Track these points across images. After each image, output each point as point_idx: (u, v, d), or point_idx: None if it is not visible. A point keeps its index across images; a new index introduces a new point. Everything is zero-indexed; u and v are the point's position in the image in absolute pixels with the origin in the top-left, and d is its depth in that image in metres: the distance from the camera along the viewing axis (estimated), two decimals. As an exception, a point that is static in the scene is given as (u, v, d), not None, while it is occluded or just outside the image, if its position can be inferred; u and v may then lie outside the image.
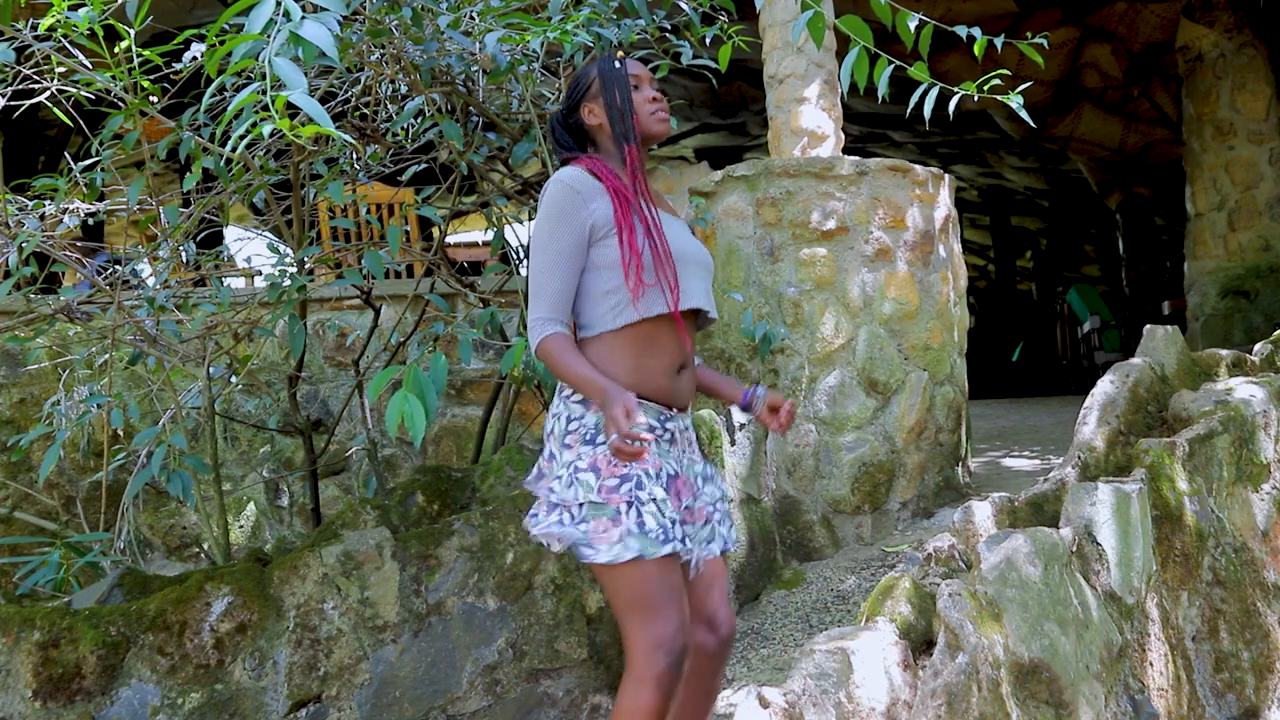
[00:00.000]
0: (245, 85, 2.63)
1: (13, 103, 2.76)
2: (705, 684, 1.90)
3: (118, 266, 3.06)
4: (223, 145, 2.80)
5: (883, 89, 2.18)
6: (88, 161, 2.94)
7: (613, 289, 1.83)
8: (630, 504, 1.75)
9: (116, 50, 2.57)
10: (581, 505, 1.77)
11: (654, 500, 1.77)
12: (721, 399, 2.07)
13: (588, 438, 1.81)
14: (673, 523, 1.78)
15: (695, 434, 2.06)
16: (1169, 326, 3.16)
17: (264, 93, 1.37)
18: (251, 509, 5.11)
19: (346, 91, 3.19)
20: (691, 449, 1.96)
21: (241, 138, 1.45)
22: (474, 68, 2.93)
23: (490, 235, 3.74)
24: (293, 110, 1.43)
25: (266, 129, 1.38)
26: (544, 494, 1.87)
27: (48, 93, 2.72)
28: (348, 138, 1.48)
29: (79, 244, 4.14)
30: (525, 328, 2.89)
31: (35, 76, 2.71)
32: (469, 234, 12.12)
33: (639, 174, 1.87)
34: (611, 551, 1.74)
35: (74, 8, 2.41)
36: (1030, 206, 13.74)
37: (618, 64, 1.92)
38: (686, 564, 1.87)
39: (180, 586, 2.48)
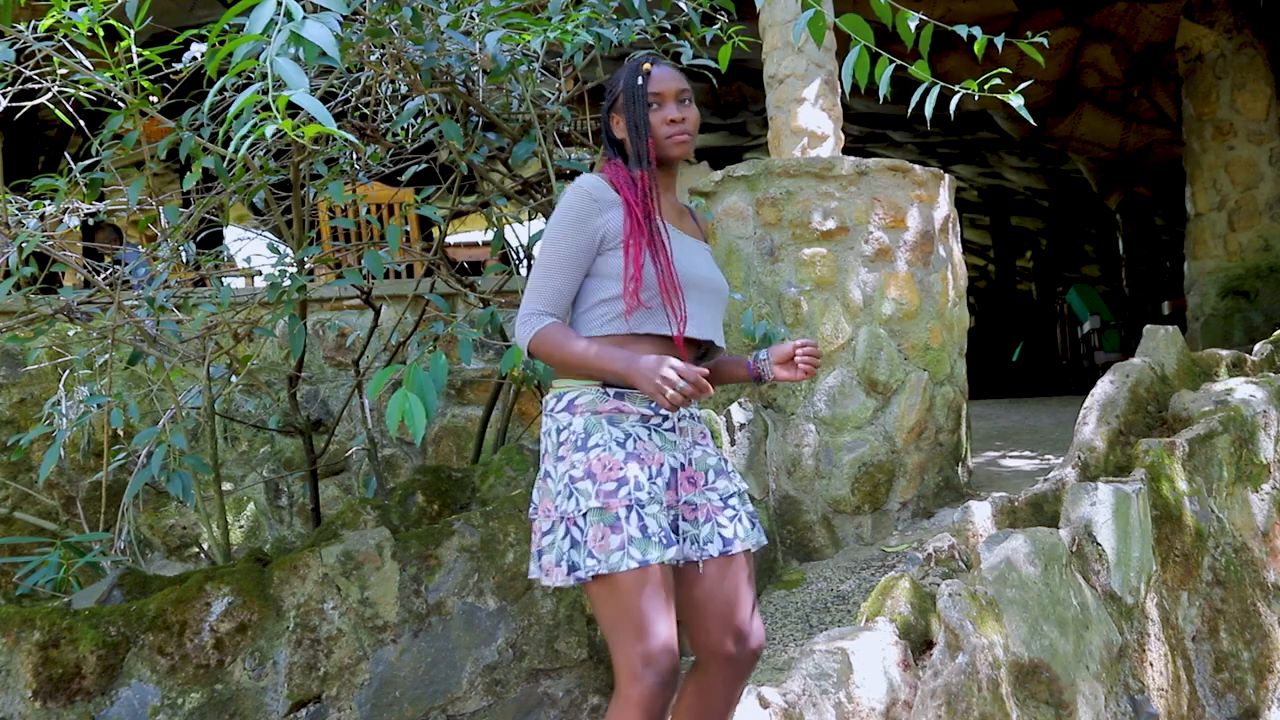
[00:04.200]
0: (246, 85, 2.63)
1: (14, 104, 2.76)
2: (727, 693, 1.85)
3: (118, 266, 3.06)
4: (223, 145, 2.80)
5: (884, 89, 2.17)
6: (88, 161, 2.94)
7: (609, 298, 1.80)
8: (630, 508, 1.70)
9: (116, 50, 2.58)
10: (585, 515, 1.71)
11: (655, 500, 1.72)
12: (736, 381, 2.01)
13: (579, 444, 1.75)
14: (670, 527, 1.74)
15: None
16: (1169, 326, 3.16)
17: (265, 93, 1.37)
18: (251, 509, 5.11)
19: (346, 91, 3.19)
20: (704, 440, 1.91)
21: (244, 139, 1.44)
22: (474, 68, 2.93)
23: (490, 235, 3.75)
24: (293, 110, 1.43)
25: (269, 130, 1.38)
26: (540, 523, 1.80)
27: (49, 94, 2.72)
28: (350, 137, 1.48)
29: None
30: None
31: (36, 77, 2.71)
32: (469, 234, 12.12)
33: (650, 198, 1.83)
34: (610, 560, 1.67)
35: (74, 8, 2.41)
36: (1030, 206, 13.75)
37: (640, 79, 1.85)
38: (680, 565, 1.82)
39: (180, 586, 2.48)
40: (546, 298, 1.79)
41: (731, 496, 1.88)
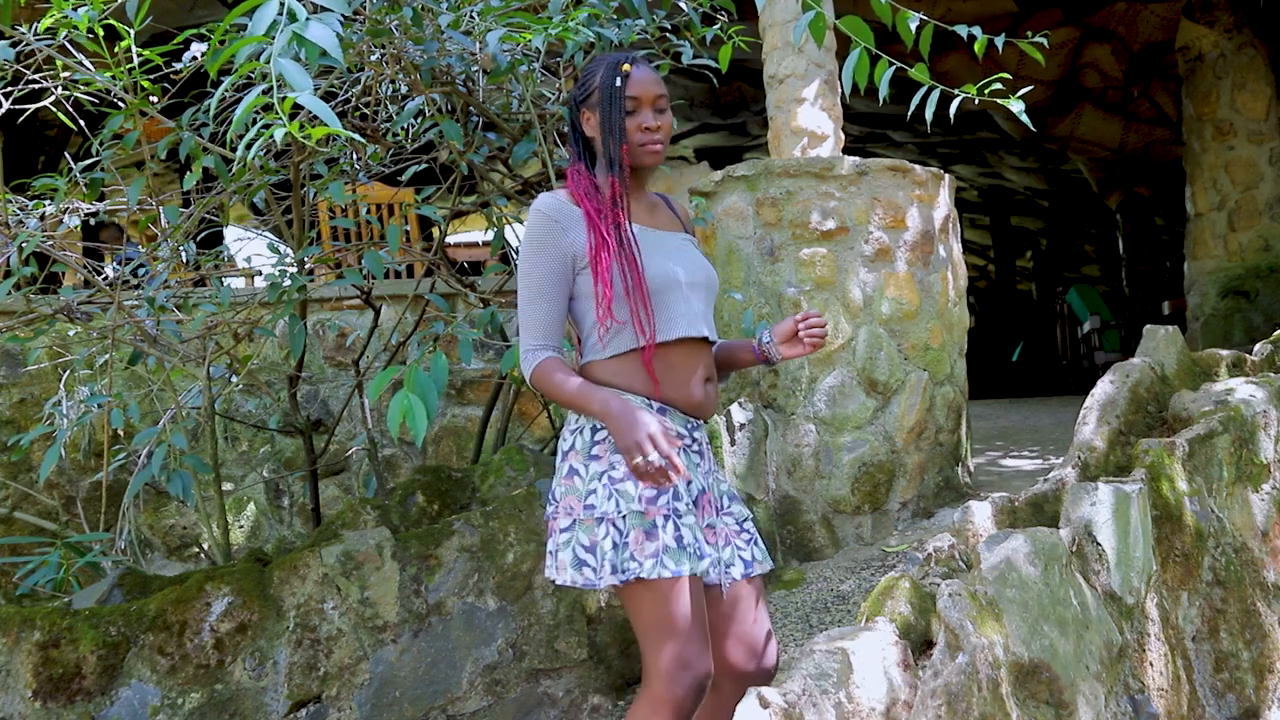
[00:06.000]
0: (248, 85, 2.63)
1: (15, 106, 2.76)
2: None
3: (118, 266, 3.06)
4: (223, 145, 2.80)
5: (883, 91, 2.17)
6: (88, 161, 2.94)
7: (597, 320, 1.76)
8: (668, 517, 1.69)
9: (116, 50, 2.58)
10: (625, 517, 1.69)
11: (690, 513, 1.72)
12: (744, 367, 1.98)
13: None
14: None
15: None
16: (1169, 326, 3.16)
17: (268, 92, 1.37)
18: (251, 509, 5.11)
19: (346, 91, 3.20)
20: (715, 467, 1.90)
21: (249, 145, 1.44)
22: (474, 68, 2.93)
23: (490, 235, 3.75)
24: (295, 109, 1.43)
25: (279, 134, 1.37)
26: (559, 521, 1.77)
27: (51, 97, 2.72)
28: (356, 136, 1.48)
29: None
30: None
31: (36, 78, 2.71)
32: (469, 234, 12.13)
33: (619, 207, 1.76)
34: (645, 566, 1.66)
35: (74, 8, 2.41)
36: (1030, 206, 13.75)
37: (619, 80, 1.75)
38: (710, 586, 1.82)
39: (180, 586, 2.48)
40: (537, 331, 1.76)
41: (745, 521, 1.90)
